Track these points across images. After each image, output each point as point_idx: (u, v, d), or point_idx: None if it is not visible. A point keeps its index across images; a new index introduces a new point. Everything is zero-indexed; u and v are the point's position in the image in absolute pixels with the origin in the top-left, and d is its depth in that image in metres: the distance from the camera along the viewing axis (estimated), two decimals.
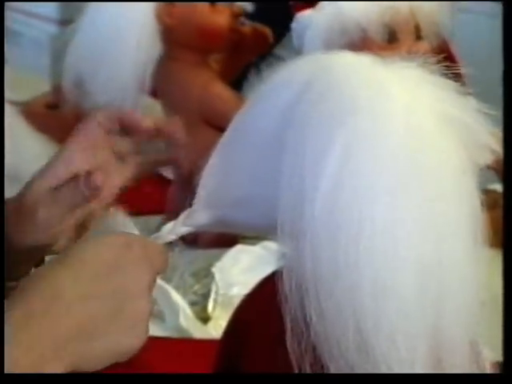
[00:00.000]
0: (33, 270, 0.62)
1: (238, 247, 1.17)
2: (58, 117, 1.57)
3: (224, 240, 1.18)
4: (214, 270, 1.12)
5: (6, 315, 0.55)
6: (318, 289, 0.53)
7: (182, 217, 0.64)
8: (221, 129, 1.27)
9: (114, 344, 0.55)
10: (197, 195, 0.64)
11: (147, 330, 0.56)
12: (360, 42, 1.11)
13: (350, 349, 0.53)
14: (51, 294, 0.54)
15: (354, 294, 0.53)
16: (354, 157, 0.54)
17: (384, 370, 0.53)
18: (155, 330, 0.98)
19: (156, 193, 1.41)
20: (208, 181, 0.63)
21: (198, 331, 1.03)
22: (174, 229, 0.64)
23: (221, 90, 1.32)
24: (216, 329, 1.04)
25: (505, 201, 0.61)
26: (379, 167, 0.54)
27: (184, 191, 1.32)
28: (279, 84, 0.60)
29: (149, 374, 0.59)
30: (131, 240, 0.58)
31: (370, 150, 0.54)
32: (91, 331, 0.54)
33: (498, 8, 2.13)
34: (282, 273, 0.55)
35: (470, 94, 0.60)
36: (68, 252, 0.57)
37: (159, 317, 1.05)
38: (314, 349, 0.54)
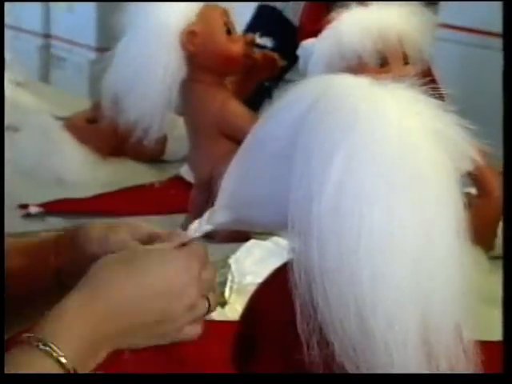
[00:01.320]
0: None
1: (251, 242, 1.17)
2: (96, 130, 1.57)
3: (239, 236, 1.18)
4: (230, 261, 1.12)
5: (71, 293, 0.58)
6: (323, 278, 0.53)
7: (205, 216, 0.64)
8: (235, 140, 1.28)
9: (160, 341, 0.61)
10: (218, 197, 0.64)
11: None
12: (356, 66, 1.10)
13: (352, 329, 0.53)
14: (113, 295, 0.59)
15: (354, 283, 0.53)
16: (355, 165, 0.54)
17: (381, 348, 0.53)
18: None
19: (179, 194, 1.42)
20: (228, 184, 0.63)
21: (216, 314, 1.03)
22: (199, 227, 0.64)
23: (235, 107, 1.32)
24: (232, 312, 1.03)
25: (505, 201, 0.59)
26: (376, 174, 0.54)
27: (203, 193, 1.32)
28: (291, 101, 0.60)
29: (150, 374, 0.60)
30: (190, 263, 0.61)
31: (368, 159, 0.54)
32: (139, 332, 0.60)
33: (473, 38, 2.15)
34: (292, 264, 0.55)
35: (451, 111, 0.60)
36: (135, 260, 0.60)
37: None
38: (321, 329, 0.53)
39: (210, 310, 0.63)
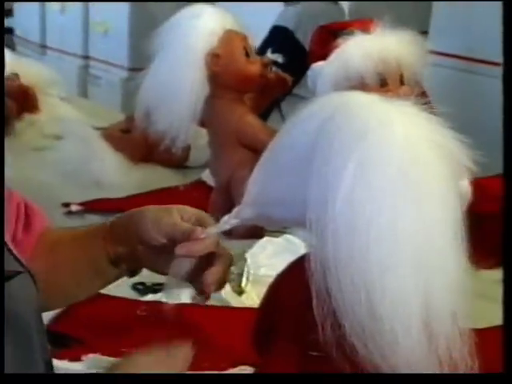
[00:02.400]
0: None
1: (265, 239, 1.17)
2: (129, 139, 1.58)
3: (254, 233, 1.18)
4: (247, 255, 1.12)
5: None
6: (337, 269, 0.53)
7: (233, 212, 0.64)
8: (251, 149, 1.28)
9: None
10: (244, 196, 0.64)
11: None
12: (359, 86, 1.10)
13: (362, 313, 0.53)
14: None
15: (364, 272, 0.53)
16: (365, 172, 0.54)
17: (387, 330, 0.52)
18: None
19: (201, 196, 1.41)
20: (253, 185, 0.62)
21: (235, 301, 1.03)
22: (228, 220, 0.64)
23: (252, 120, 1.33)
24: (248, 300, 1.03)
25: (505, 203, 0.58)
26: (384, 179, 0.54)
27: (222, 195, 1.33)
28: (310, 115, 0.60)
29: (151, 374, 0.58)
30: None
31: (376, 167, 0.54)
32: None
33: (458, 63, 2.14)
34: (309, 257, 0.55)
35: (447, 126, 0.60)
36: None
37: None
38: (334, 313, 0.53)
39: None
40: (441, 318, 0.54)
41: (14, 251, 0.63)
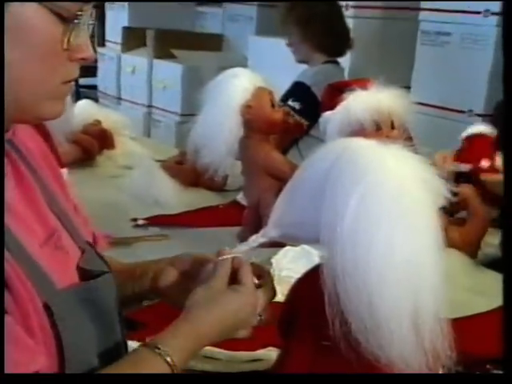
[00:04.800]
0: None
1: (287, 247, 1.14)
2: (182, 169, 1.57)
3: (278, 243, 1.16)
4: (272, 260, 1.10)
5: (177, 321, 0.57)
6: (344, 277, 0.53)
7: (261, 232, 0.63)
8: (275, 177, 1.28)
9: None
10: (270, 218, 0.63)
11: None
12: (359, 130, 1.09)
13: (364, 313, 0.52)
14: (201, 323, 0.58)
15: (366, 281, 0.52)
16: (365, 203, 0.53)
17: (385, 327, 0.51)
18: None
19: (236, 214, 1.39)
20: (277, 210, 0.62)
21: None
22: (256, 239, 0.63)
23: (276, 155, 1.31)
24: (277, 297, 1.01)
25: (505, 205, 0.55)
26: (380, 208, 0.53)
27: (253, 213, 1.31)
28: (321, 156, 0.59)
29: (152, 374, 0.54)
30: (250, 299, 0.60)
31: (374, 198, 0.54)
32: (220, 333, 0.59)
33: (436, 112, 2.13)
34: (322, 267, 0.54)
35: (428, 163, 0.59)
36: (214, 300, 0.59)
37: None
38: (342, 313, 0.53)
39: (261, 320, 0.62)
40: (426, 318, 0.53)
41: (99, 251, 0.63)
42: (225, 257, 0.61)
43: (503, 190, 0.54)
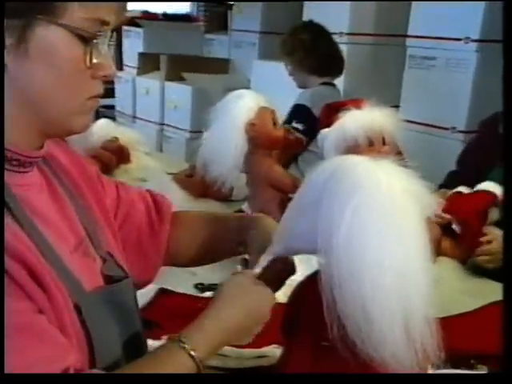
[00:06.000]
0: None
1: None
2: (192, 181, 1.56)
3: None
4: None
5: (204, 314, 0.56)
6: (340, 284, 0.52)
7: (267, 251, 0.63)
8: (277, 189, 1.27)
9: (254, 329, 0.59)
10: (275, 235, 0.62)
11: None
12: (354, 146, 1.09)
13: (359, 317, 0.51)
14: (227, 318, 0.57)
15: (360, 287, 0.51)
16: (359, 215, 0.53)
17: (377, 329, 0.50)
18: None
19: None
20: (280, 227, 0.61)
21: None
22: (265, 259, 0.63)
23: (278, 169, 1.32)
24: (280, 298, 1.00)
25: (505, 203, 0.55)
26: (372, 220, 0.53)
27: None
28: (318, 173, 0.58)
29: (154, 374, 0.51)
30: (269, 297, 0.60)
31: (367, 211, 0.53)
32: (239, 337, 0.59)
33: (423, 128, 2.13)
34: (320, 274, 0.54)
35: (417, 176, 0.58)
36: (240, 298, 0.58)
37: None
38: (339, 317, 0.52)
39: None
40: (416, 321, 0.52)
41: (118, 260, 0.62)
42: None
43: (503, 192, 0.53)
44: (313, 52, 1.88)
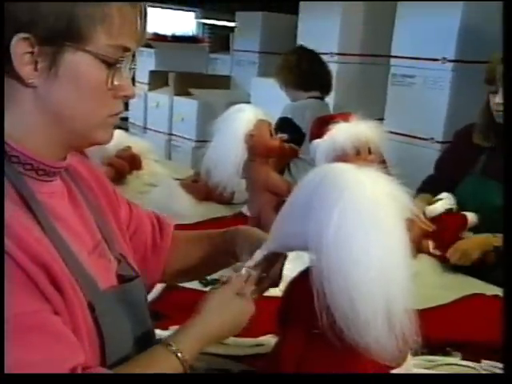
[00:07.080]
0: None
1: None
2: (197, 186, 1.56)
3: None
4: None
5: (189, 322, 0.56)
6: (329, 278, 0.52)
7: (262, 247, 0.63)
8: (273, 193, 1.28)
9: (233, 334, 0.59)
10: (270, 233, 0.62)
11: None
12: (342, 155, 1.09)
13: (346, 307, 0.51)
14: (210, 324, 0.57)
15: (347, 282, 0.52)
16: (345, 216, 0.53)
17: (362, 319, 0.51)
18: None
19: (241, 223, 1.32)
20: (274, 226, 0.62)
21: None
22: (260, 253, 0.63)
23: (274, 175, 1.31)
24: (274, 291, 0.99)
25: (505, 203, 0.54)
26: (358, 219, 0.53)
27: (255, 223, 1.30)
28: (309, 179, 0.59)
29: (152, 374, 0.51)
30: (248, 307, 0.60)
31: (353, 211, 0.53)
32: (223, 335, 0.58)
33: (406, 139, 2.14)
34: (312, 269, 0.54)
35: (398, 183, 0.59)
36: (223, 307, 0.58)
37: None
38: (328, 307, 0.52)
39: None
40: (397, 310, 0.53)
41: (129, 261, 0.62)
42: (241, 273, 0.62)
43: (504, 192, 0.52)
44: (296, 70, 1.96)
